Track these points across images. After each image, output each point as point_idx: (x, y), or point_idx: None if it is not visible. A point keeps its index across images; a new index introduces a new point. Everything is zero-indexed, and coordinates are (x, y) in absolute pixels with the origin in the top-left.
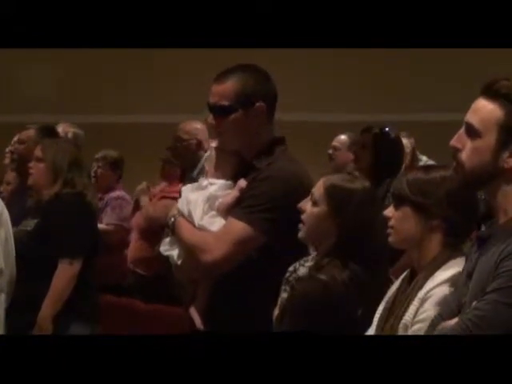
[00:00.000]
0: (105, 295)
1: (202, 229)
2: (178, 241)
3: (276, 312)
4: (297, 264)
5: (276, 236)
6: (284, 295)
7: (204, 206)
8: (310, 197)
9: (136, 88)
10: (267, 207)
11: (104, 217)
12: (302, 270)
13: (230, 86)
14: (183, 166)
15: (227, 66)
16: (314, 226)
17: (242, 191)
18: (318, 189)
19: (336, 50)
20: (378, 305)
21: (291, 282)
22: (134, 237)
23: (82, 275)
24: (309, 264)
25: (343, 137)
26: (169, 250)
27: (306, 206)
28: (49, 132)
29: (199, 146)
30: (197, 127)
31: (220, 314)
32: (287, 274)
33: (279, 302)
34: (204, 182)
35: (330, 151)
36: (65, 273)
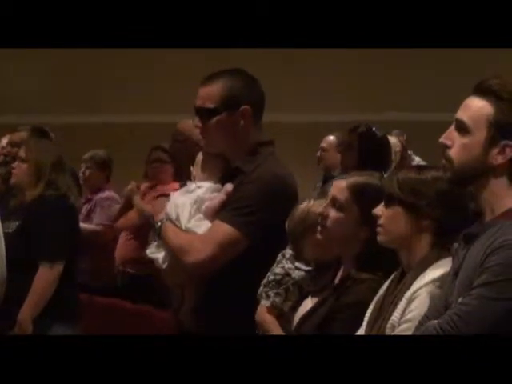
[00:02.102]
0: (95, 296)
1: (188, 231)
2: (165, 244)
3: (297, 318)
4: (282, 266)
5: (261, 239)
6: (277, 298)
7: (191, 208)
8: (330, 201)
9: (124, 88)
10: (252, 210)
11: (94, 217)
12: (297, 274)
13: (215, 88)
14: (180, 166)
15: (217, 67)
16: (341, 232)
17: (229, 195)
18: (342, 192)
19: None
20: None
21: (286, 285)
22: (123, 237)
23: (63, 277)
24: (297, 266)
25: (331, 137)
26: (155, 253)
27: (328, 210)
28: (41, 133)
29: (194, 147)
30: (191, 128)
31: (208, 316)
32: (277, 277)
33: (276, 306)
34: (192, 185)
35: (319, 153)
36: (45, 275)
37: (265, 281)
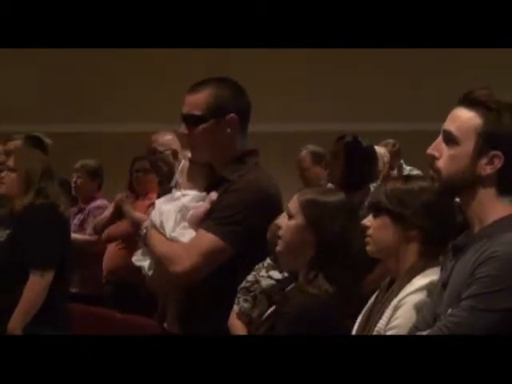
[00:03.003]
0: (86, 305)
1: (173, 240)
2: (150, 252)
3: (256, 323)
4: (255, 274)
5: (245, 248)
6: (245, 304)
7: (176, 216)
8: (285, 212)
9: (112, 97)
10: (236, 220)
11: (87, 227)
12: (267, 282)
13: (202, 96)
14: (160, 177)
15: (201, 76)
16: (291, 238)
17: (213, 203)
18: (293, 203)
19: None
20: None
21: (254, 292)
22: (112, 246)
23: (53, 285)
24: (270, 274)
25: (304, 152)
26: (141, 260)
27: (283, 221)
28: (36, 142)
29: (175, 156)
30: (170, 138)
31: (191, 324)
32: (247, 284)
33: (244, 311)
34: (177, 193)
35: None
36: (36, 284)
37: (240, 286)
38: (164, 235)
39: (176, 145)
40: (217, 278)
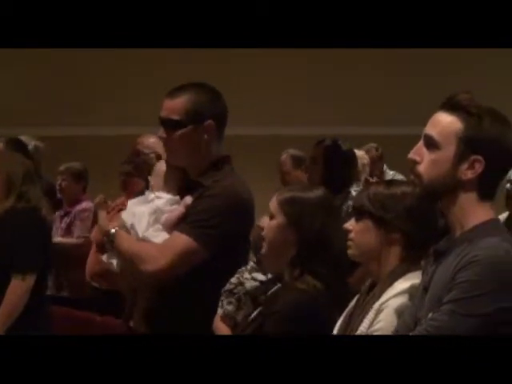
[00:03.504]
0: (72, 309)
1: (145, 240)
2: (118, 252)
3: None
4: (238, 276)
5: (218, 250)
6: (229, 307)
7: (150, 218)
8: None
9: (98, 100)
10: (210, 224)
11: (74, 230)
12: (251, 284)
13: (181, 101)
14: (144, 180)
15: (182, 79)
16: (273, 238)
17: (187, 208)
18: (273, 203)
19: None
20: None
21: (238, 294)
22: (92, 250)
23: (34, 289)
24: (254, 276)
25: (284, 156)
26: (111, 257)
27: (265, 222)
28: (17, 145)
29: (159, 159)
30: (154, 141)
31: (158, 323)
32: (231, 286)
33: (228, 314)
34: (150, 195)
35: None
36: (17, 288)
37: (223, 289)
38: (136, 235)
39: (160, 148)
40: (188, 279)
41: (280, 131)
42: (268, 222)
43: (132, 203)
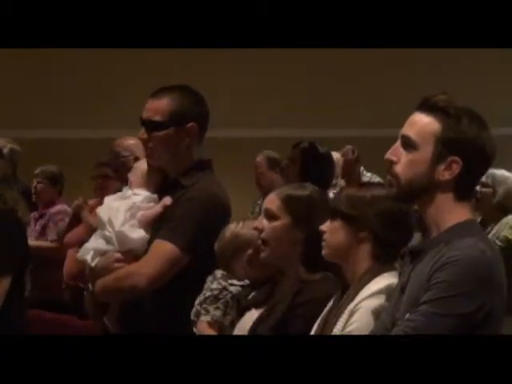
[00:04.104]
0: (46, 312)
1: (122, 234)
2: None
3: (240, 331)
4: (219, 282)
5: (195, 255)
6: (216, 312)
7: (126, 214)
8: (263, 214)
9: (72, 103)
10: (190, 228)
11: (48, 233)
12: (235, 288)
13: (164, 103)
14: (122, 181)
15: (160, 82)
16: (279, 239)
17: (166, 208)
18: (273, 202)
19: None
20: None
21: (224, 299)
22: (71, 252)
23: (11, 291)
24: (233, 282)
25: (260, 157)
26: (84, 254)
27: (262, 223)
28: None
29: (136, 161)
30: (133, 143)
31: (132, 322)
32: (214, 292)
33: (217, 320)
34: (128, 192)
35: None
36: None
37: (200, 299)
38: (112, 229)
39: (139, 151)
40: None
41: (257, 133)
42: (269, 224)
43: (109, 199)
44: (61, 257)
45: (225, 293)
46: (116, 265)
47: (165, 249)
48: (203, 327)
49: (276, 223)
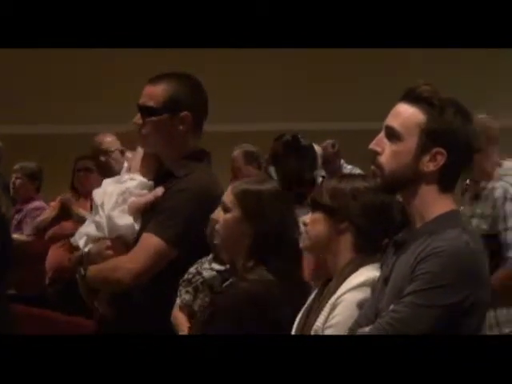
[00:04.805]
0: (25, 306)
1: (110, 219)
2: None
3: (198, 314)
4: (197, 266)
5: (184, 248)
6: (186, 296)
7: (118, 198)
8: (220, 206)
9: (55, 98)
10: (180, 221)
11: (24, 228)
12: (209, 273)
13: (160, 89)
14: (104, 175)
15: (146, 78)
16: (229, 231)
17: (157, 198)
18: (228, 196)
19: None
20: (297, 305)
21: (195, 283)
22: (55, 246)
23: None
24: (212, 266)
25: (236, 151)
26: (77, 240)
27: (219, 215)
28: None
29: (123, 154)
30: (113, 138)
31: (122, 308)
32: (189, 276)
33: (186, 303)
34: (125, 176)
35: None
36: None
37: (180, 281)
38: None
39: (120, 144)
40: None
41: (237, 128)
42: (223, 216)
43: (106, 183)
44: (37, 251)
45: (197, 277)
46: (107, 252)
47: (152, 242)
48: (175, 309)
49: (228, 215)
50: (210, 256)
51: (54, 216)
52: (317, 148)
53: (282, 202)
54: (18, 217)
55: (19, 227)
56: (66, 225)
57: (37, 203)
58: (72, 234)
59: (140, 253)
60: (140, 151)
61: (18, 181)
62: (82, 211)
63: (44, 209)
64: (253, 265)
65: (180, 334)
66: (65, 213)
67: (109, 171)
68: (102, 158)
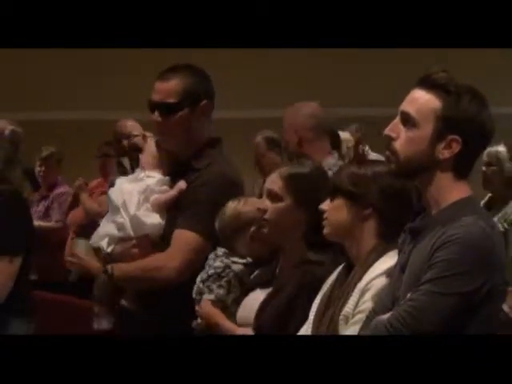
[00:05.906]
0: (50, 293)
1: (137, 219)
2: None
3: (245, 311)
4: (222, 260)
5: (213, 240)
6: (220, 291)
7: (140, 197)
8: (265, 195)
9: (74, 85)
10: (208, 215)
11: (52, 214)
12: (238, 267)
13: (176, 83)
14: (130, 161)
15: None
16: (283, 220)
17: (181, 192)
18: (275, 183)
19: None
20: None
21: (227, 277)
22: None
23: (19, 271)
24: (237, 260)
25: (258, 138)
26: (97, 241)
27: (266, 204)
28: None
29: (145, 140)
30: (135, 124)
31: (152, 299)
32: (218, 270)
33: (220, 298)
34: (141, 174)
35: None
36: (5, 270)
37: (203, 277)
38: (127, 213)
39: (141, 130)
40: None
41: (255, 114)
42: (273, 205)
43: (121, 181)
44: (62, 238)
45: (227, 271)
46: (134, 250)
47: (187, 238)
48: (207, 305)
49: (279, 204)
50: (221, 251)
51: (70, 203)
52: (342, 135)
53: (327, 180)
54: (44, 203)
55: (47, 214)
56: (76, 212)
57: (62, 189)
58: (79, 222)
59: (179, 249)
60: (150, 147)
61: (43, 167)
62: (86, 201)
63: (69, 193)
64: (309, 248)
65: (226, 330)
66: (77, 200)
67: (134, 155)
68: (125, 142)
